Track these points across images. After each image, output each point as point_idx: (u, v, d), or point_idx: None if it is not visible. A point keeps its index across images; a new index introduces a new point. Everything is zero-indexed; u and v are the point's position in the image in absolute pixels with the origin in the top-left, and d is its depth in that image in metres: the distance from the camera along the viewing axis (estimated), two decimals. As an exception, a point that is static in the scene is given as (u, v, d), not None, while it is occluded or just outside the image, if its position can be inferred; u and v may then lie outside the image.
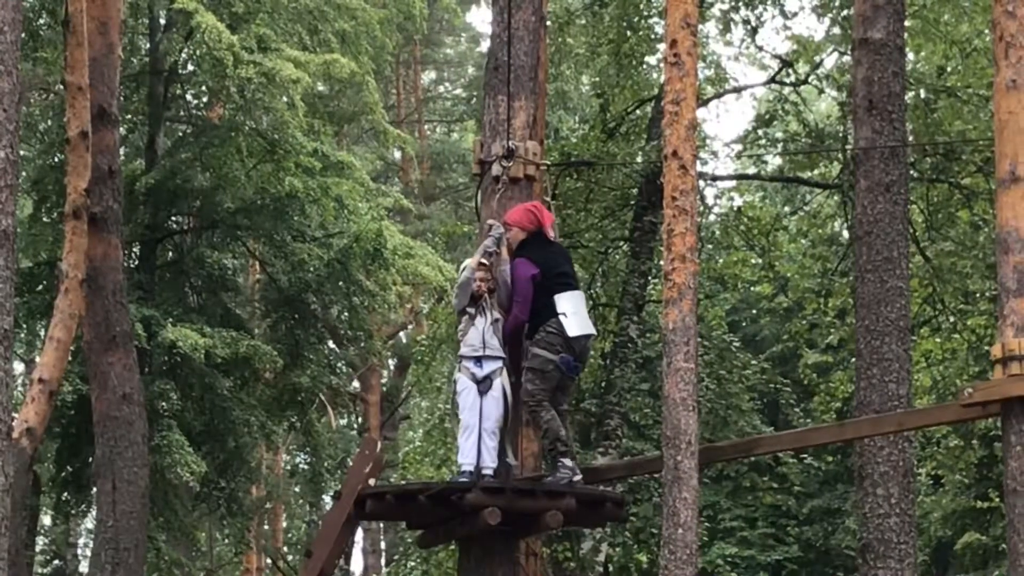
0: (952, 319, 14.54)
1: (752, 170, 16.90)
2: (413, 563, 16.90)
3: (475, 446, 7.41)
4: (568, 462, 7.39)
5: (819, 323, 15.11)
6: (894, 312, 8.76)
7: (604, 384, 13.63)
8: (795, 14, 15.00)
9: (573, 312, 7.57)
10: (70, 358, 11.79)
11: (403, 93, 30.09)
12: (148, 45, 17.37)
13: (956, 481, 18.11)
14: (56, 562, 28.44)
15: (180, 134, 18.37)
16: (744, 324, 23.22)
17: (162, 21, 17.17)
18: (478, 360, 7.61)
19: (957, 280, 13.97)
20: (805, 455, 17.14)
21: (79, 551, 27.27)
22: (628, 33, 13.91)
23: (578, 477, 7.45)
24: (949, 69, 14.20)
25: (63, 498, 17.16)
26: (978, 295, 14.97)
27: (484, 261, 7.76)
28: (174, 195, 16.31)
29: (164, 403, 14.56)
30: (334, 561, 8.15)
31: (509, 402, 7.64)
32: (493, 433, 7.50)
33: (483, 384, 7.55)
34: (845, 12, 13.41)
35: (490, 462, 7.41)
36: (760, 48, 15.21)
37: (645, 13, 14.18)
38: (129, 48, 16.76)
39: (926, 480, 18.77)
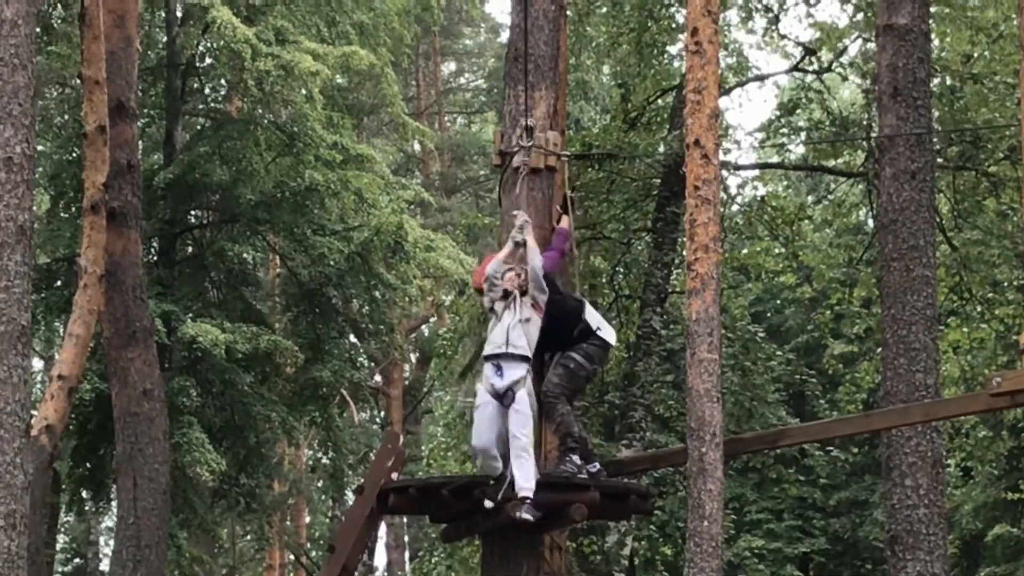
0: (980, 308, 14.35)
1: (775, 159, 16.68)
2: (437, 558, 16.85)
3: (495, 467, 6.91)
4: (576, 459, 7.22)
5: (844, 313, 14.94)
6: (921, 301, 8.65)
7: (628, 376, 13.46)
8: (818, 1, 14.84)
9: (600, 321, 7.56)
10: (89, 354, 11.80)
11: (423, 85, 30.06)
12: (165, 39, 17.39)
13: (986, 472, 17.93)
14: (77, 560, 28.61)
15: (198, 128, 18.44)
16: (768, 315, 23.03)
17: (179, 14, 17.19)
18: (498, 366, 6.98)
19: (984, 269, 13.80)
20: (831, 447, 16.95)
21: (100, 549, 27.42)
22: (649, 22, 13.77)
23: (583, 475, 7.22)
24: (975, 55, 13.99)
25: (82, 495, 17.22)
26: (1006, 284, 14.79)
27: (510, 258, 7.28)
28: (193, 189, 16.38)
29: (184, 399, 14.52)
30: (357, 556, 8.08)
31: (535, 414, 7.08)
32: (525, 450, 6.81)
33: (506, 398, 6.92)
34: (870, -1, 13.24)
35: (525, 483, 6.71)
36: (783, 36, 15.02)
37: (666, 2, 14.03)
38: (146, 42, 16.84)
39: (956, 472, 18.58)
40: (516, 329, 7.01)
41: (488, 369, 7.05)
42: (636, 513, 8.83)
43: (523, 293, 7.12)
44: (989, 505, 18.91)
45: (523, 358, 6.99)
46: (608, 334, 7.53)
